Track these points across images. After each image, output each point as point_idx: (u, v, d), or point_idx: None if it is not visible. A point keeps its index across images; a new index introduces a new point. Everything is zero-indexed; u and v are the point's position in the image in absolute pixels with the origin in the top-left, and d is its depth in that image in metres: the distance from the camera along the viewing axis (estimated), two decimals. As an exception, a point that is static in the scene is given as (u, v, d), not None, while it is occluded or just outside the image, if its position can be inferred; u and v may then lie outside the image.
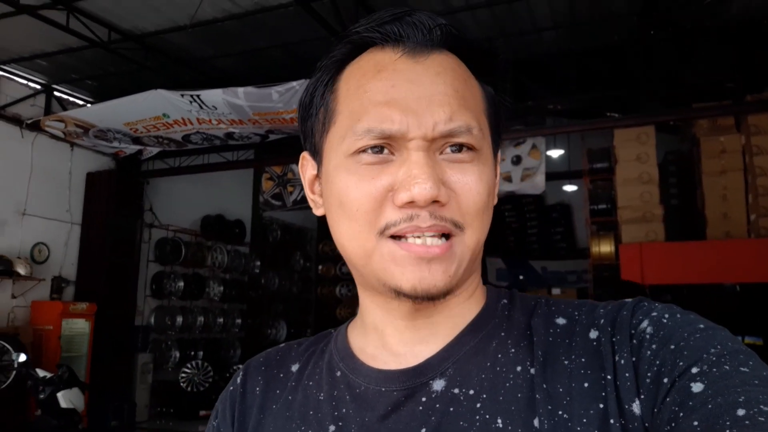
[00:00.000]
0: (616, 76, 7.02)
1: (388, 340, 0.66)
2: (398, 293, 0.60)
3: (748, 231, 5.90)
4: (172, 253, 8.27)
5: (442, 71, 0.61)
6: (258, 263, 9.75)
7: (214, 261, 8.87)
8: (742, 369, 0.50)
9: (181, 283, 8.38)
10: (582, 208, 10.46)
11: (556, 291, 9.54)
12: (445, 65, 0.62)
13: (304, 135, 0.69)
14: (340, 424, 0.63)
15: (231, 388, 0.74)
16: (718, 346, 0.52)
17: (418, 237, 0.58)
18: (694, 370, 0.51)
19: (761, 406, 0.46)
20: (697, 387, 0.50)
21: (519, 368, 0.60)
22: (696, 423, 0.47)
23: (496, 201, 0.67)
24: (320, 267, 11.34)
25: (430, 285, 0.58)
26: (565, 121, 7.00)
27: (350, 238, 0.61)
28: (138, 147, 7.26)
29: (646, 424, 0.53)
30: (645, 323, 0.57)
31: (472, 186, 0.60)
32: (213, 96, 5.80)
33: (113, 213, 7.56)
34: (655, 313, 0.58)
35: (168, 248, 8.26)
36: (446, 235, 0.59)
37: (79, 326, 6.67)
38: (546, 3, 5.63)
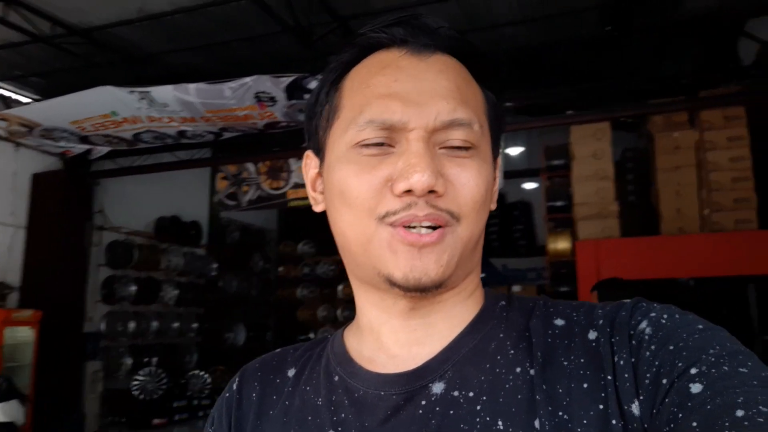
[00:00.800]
0: (575, 73, 7.06)
1: (384, 341, 0.66)
2: (391, 283, 0.60)
3: (701, 226, 5.98)
4: (124, 256, 8.00)
5: (444, 69, 0.63)
6: (215, 265, 9.53)
7: (168, 264, 8.63)
8: (741, 370, 0.50)
9: (134, 287, 8.11)
10: (540, 206, 10.62)
11: (516, 288, 9.57)
12: (447, 65, 0.64)
13: (309, 134, 0.72)
14: (340, 429, 0.63)
15: (227, 394, 0.74)
16: (717, 347, 0.53)
17: (413, 227, 0.59)
18: (693, 370, 0.51)
19: (760, 407, 0.46)
20: (696, 388, 0.50)
21: (518, 369, 0.60)
22: (695, 424, 0.48)
23: (495, 206, 0.68)
24: (280, 268, 11.15)
25: (421, 273, 0.59)
26: (524, 119, 7.00)
27: (350, 224, 0.63)
28: (86, 146, 6.98)
29: (645, 425, 0.53)
30: (644, 324, 0.57)
31: (469, 179, 0.61)
32: (164, 93, 5.61)
33: (61, 216, 7.27)
34: (653, 314, 0.58)
35: (120, 251, 7.98)
36: (440, 227, 0.60)
37: (22, 334, 6.36)
38: (503, -1, 5.60)
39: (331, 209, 0.67)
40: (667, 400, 0.51)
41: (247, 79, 5.45)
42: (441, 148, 0.61)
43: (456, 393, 0.60)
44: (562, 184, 6.65)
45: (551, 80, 6.71)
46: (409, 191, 0.59)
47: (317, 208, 0.73)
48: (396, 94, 0.61)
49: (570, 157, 6.43)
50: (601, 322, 0.61)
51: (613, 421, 0.54)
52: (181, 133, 6.58)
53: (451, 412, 0.59)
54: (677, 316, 0.58)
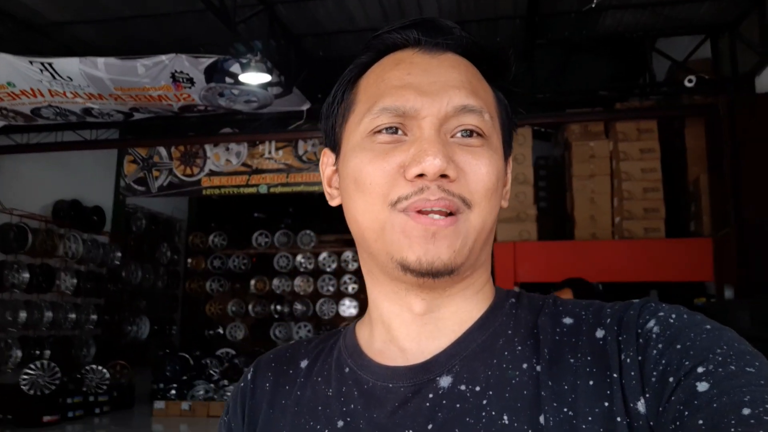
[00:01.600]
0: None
1: (395, 334, 0.67)
2: (405, 268, 0.61)
3: (612, 233, 6.18)
4: (16, 240, 7.37)
5: (456, 65, 0.65)
6: (119, 254, 8.99)
7: (66, 251, 8.04)
8: (748, 369, 0.50)
9: (27, 275, 7.50)
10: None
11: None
12: (459, 62, 0.66)
13: (325, 133, 0.73)
14: (348, 419, 0.64)
15: (242, 384, 0.75)
16: (725, 347, 0.53)
17: (426, 212, 0.60)
18: (700, 369, 0.51)
19: (767, 406, 0.46)
20: (702, 386, 0.50)
21: (525, 366, 0.61)
22: (701, 422, 0.48)
23: (507, 204, 0.69)
24: (189, 260, 10.69)
25: (434, 257, 0.60)
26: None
27: (364, 211, 0.64)
28: (-23, 119, 6.37)
29: (651, 423, 0.53)
30: (652, 323, 0.58)
31: (480, 167, 0.62)
32: (68, 65, 5.17)
33: (-56, 193, 6.62)
34: (662, 313, 0.58)
35: (12, 235, 7.35)
36: (452, 214, 0.61)
37: None
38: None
39: (345, 199, 0.68)
40: (673, 398, 0.52)
41: (163, 57, 5.13)
42: (452, 137, 0.63)
43: (463, 387, 0.61)
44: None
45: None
46: (421, 176, 0.60)
47: (333, 203, 0.73)
48: (409, 84, 0.63)
49: (491, 160, 6.47)
50: (608, 320, 0.61)
51: (618, 419, 0.54)
52: (87, 111, 6.12)
53: (458, 405, 0.60)
54: (685, 316, 0.58)
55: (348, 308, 9.90)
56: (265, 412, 0.71)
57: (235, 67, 5.28)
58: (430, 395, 0.62)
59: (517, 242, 6.04)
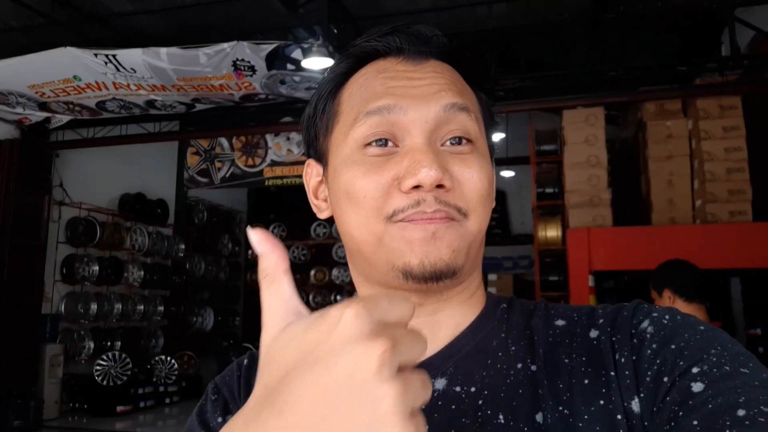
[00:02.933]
0: (563, 57, 6.82)
1: None
2: (407, 274, 0.60)
3: (693, 217, 5.81)
4: (85, 234, 7.52)
5: (440, 71, 0.66)
6: (182, 246, 9.11)
7: (133, 243, 8.17)
8: (742, 370, 0.51)
9: (96, 267, 7.65)
10: (515, 195, 10.43)
11: (492, 277, 9.40)
12: (442, 68, 0.67)
13: (308, 143, 0.73)
14: None
15: (238, 373, 0.73)
16: (719, 347, 0.53)
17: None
18: (695, 370, 0.52)
19: (761, 407, 0.46)
20: (697, 387, 0.50)
21: (520, 365, 0.61)
22: (696, 422, 0.48)
23: (493, 204, 0.68)
24: (250, 252, 10.75)
25: (436, 258, 0.60)
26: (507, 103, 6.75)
27: (358, 225, 0.63)
28: (45, 114, 6.47)
29: (645, 423, 0.54)
30: (645, 323, 0.58)
31: (473, 175, 0.62)
32: (132, 57, 5.16)
33: (17, 188, 6.76)
34: (655, 314, 0.59)
35: (81, 229, 7.51)
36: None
37: (-28, 315, 5.90)
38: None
39: (337, 213, 0.67)
40: (668, 398, 0.52)
41: (225, 45, 5.05)
42: (442, 146, 0.63)
43: (458, 388, 0.61)
44: (551, 170, 6.42)
45: (531, 66, 6.44)
46: (417, 187, 0.59)
47: (321, 215, 0.72)
48: (395, 88, 0.63)
49: (561, 143, 6.19)
50: (602, 321, 0.61)
51: (619, 416, 0.54)
52: (150, 103, 6.13)
53: (453, 406, 0.60)
54: (679, 317, 0.58)
55: (409, 298, 9.78)
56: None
57: (296, 53, 5.16)
58: None
59: (591, 228, 5.74)
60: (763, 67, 5.84)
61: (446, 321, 0.66)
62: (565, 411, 0.56)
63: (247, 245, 10.82)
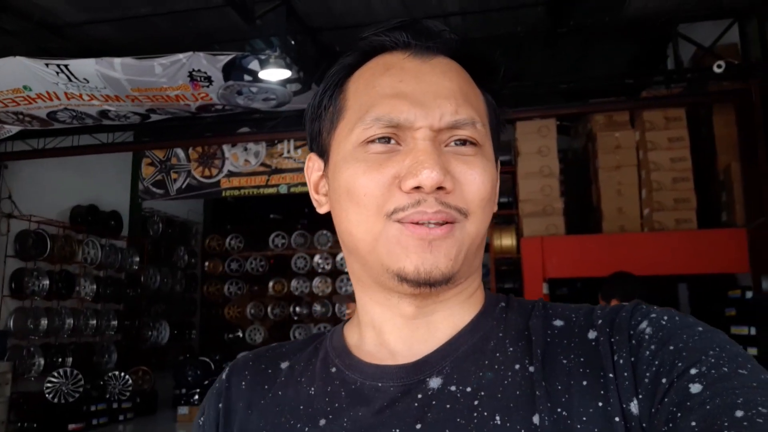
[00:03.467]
0: (516, 69, 6.99)
1: (386, 338, 0.67)
2: (402, 279, 0.61)
3: (641, 225, 6.01)
4: (35, 247, 7.32)
5: (447, 71, 0.65)
6: (137, 259, 8.94)
7: (85, 256, 7.98)
8: (740, 371, 0.51)
9: (47, 281, 7.44)
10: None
11: (452, 286, 9.51)
12: (449, 67, 0.66)
13: (311, 137, 0.72)
14: (331, 417, 0.63)
15: (217, 385, 0.74)
16: (717, 349, 0.53)
17: (422, 224, 0.60)
18: (693, 371, 0.52)
19: (759, 408, 0.47)
20: (695, 388, 0.50)
21: (517, 366, 0.61)
22: (694, 423, 0.48)
23: (496, 208, 0.69)
24: (207, 263, 10.63)
25: (432, 266, 0.59)
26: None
27: (358, 223, 0.63)
28: (-7, 125, 6.30)
29: (644, 425, 0.53)
30: (644, 324, 0.58)
31: (476, 177, 0.62)
32: (84, 67, 5.08)
33: (-38, 201, 6.56)
34: (654, 315, 0.59)
35: (30, 242, 7.30)
36: (448, 223, 0.61)
37: None
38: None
39: (337, 209, 0.67)
40: (666, 399, 0.52)
41: (181, 56, 5.02)
42: (446, 146, 0.63)
43: (453, 388, 0.61)
44: (505, 181, 6.55)
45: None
46: (417, 188, 0.59)
47: (321, 210, 0.72)
48: (402, 93, 0.62)
49: (515, 153, 6.33)
50: (600, 322, 0.61)
51: (617, 419, 0.54)
52: (103, 114, 6.03)
53: (448, 406, 0.60)
54: (677, 318, 0.58)
55: (368, 308, 9.79)
56: (242, 412, 0.69)
57: (253, 64, 5.17)
58: (419, 396, 0.61)
59: (545, 237, 5.88)
60: (705, 80, 6.11)
61: (444, 321, 0.66)
62: (564, 413, 0.56)
63: (204, 257, 10.67)
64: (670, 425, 0.50)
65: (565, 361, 0.60)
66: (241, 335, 10.18)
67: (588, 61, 6.76)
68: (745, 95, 5.53)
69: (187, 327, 10.20)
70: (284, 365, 0.72)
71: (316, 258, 10.09)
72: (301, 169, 6.62)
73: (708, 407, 0.49)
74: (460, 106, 0.62)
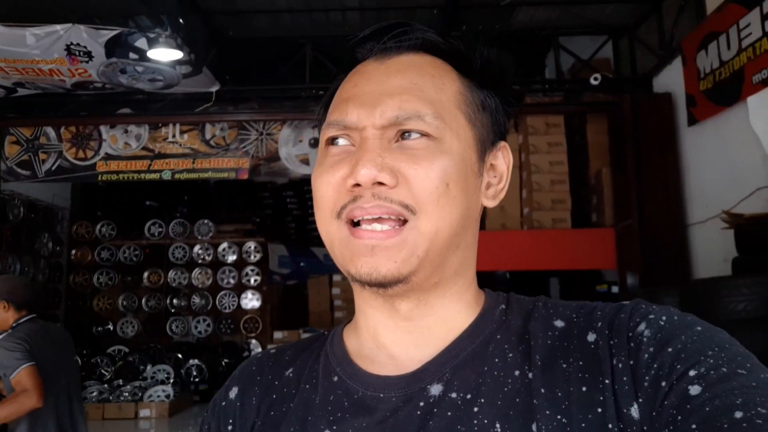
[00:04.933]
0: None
1: (382, 340, 0.67)
2: (354, 280, 0.62)
3: (521, 223, 6.35)
4: None
5: (402, 69, 0.65)
6: (-7, 246, 8.11)
7: (-69, 242, 7.13)
8: (740, 371, 0.51)
9: None
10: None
11: (337, 278, 9.54)
12: (409, 63, 0.65)
13: None
14: (335, 428, 0.63)
15: (223, 403, 0.73)
16: (716, 349, 0.53)
17: (368, 222, 0.60)
18: (692, 372, 0.52)
19: (759, 409, 0.47)
20: (694, 390, 0.50)
21: (517, 372, 0.61)
22: (694, 426, 0.48)
23: (495, 203, 0.70)
24: (74, 252, 9.85)
25: (372, 269, 0.60)
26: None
27: (320, 225, 0.65)
28: None
29: (645, 428, 0.53)
30: (642, 326, 0.58)
31: (419, 170, 0.61)
32: (-59, 30, 4.54)
33: None
34: (652, 316, 0.58)
35: None
36: (401, 223, 0.60)
37: None
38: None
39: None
40: (666, 402, 0.52)
41: (58, 27, 4.63)
42: (396, 142, 0.62)
43: (454, 395, 0.61)
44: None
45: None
46: (357, 185, 0.60)
47: None
48: (352, 97, 0.64)
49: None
50: (599, 324, 0.61)
51: (610, 425, 0.54)
52: (-39, 84, 5.42)
53: (449, 413, 0.60)
54: (676, 317, 0.58)
55: (250, 301, 9.56)
56: (257, 428, 0.69)
57: (140, 42, 4.86)
58: (421, 403, 0.61)
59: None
60: (581, 90, 6.55)
61: (436, 325, 0.66)
62: (563, 420, 0.56)
63: (71, 245, 9.91)
64: (671, 428, 0.50)
65: (564, 366, 0.59)
66: (111, 328, 9.57)
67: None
68: (617, 107, 6.00)
69: (51, 319, 9.39)
70: (288, 372, 0.72)
71: (196, 248, 9.69)
72: (186, 155, 6.30)
73: (707, 409, 0.49)
74: (404, 102, 0.62)
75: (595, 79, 6.03)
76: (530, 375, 0.60)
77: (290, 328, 8.89)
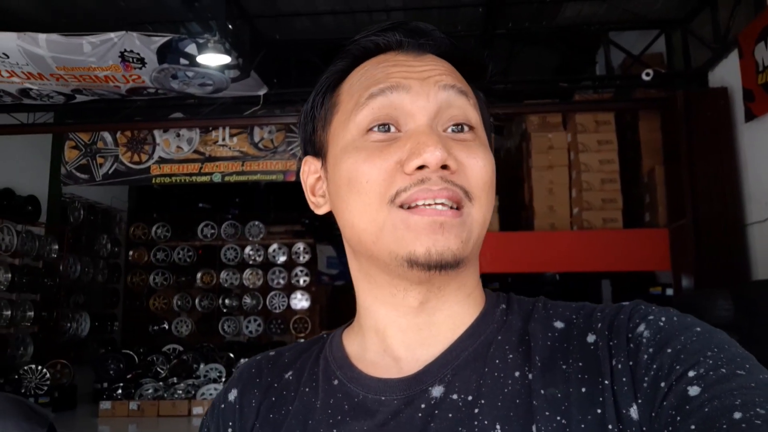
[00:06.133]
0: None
1: (389, 342, 0.67)
2: (412, 263, 0.60)
3: (571, 223, 6.22)
4: (-58, 232, 6.81)
5: (440, 67, 0.66)
6: (56, 247, 8.48)
7: (0, 243, 7.51)
8: (739, 372, 0.51)
9: (-45, 269, 6.96)
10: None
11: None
12: (440, 61, 0.67)
13: (305, 140, 0.73)
14: (335, 431, 0.63)
15: (222, 405, 0.73)
16: (715, 349, 0.53)
17: (429, 204, 0.59)
18: (691, 373, 0.52)
19: (758, 409, 0.47)
20: (694, 390, 0.50)
21: (517, 374, 0.61)
22: (693, 427, 0.48)
23: (494, 199, 0.68)
24: (131, 253, 10.21)
25: (444, 248, 0.59)
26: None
27: (361, 213, 0.62)
28: None
29: (644, 429, 0.53)
30: (642, 327, 0.58)
31: (478, 161, 0.62)
32: (5, 41, 4.77)
33: None
34: (651, 317, 0.59)
35: (-63, 226, 6.79)
36: (456, 207, 0.60)
37: None
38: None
39: (337, 203, 0.66)
40: (665, 403, 0.52)
41: (112, 35, 4.80)
42: (444, 131, 0.63)
43: (455, 396, 0.61)
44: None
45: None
46: (421, 168, 0.59)
47: (319, 211, 0.72)
48: (396, 73, 0.63)
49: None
50: (599, 325, 0.61)
51: (610, 426, 0.54)
52: (24, 92, 5.68)
53: (450, 415, 0.59)
54: (675, 318, 0.58)
55: (300, 301, 9.70)
56: (255, 430, 0.69)
57: (191, 48, 4.99)
58: (423, 405, 0.61)
59: (479, 233, 5.98)
60: (632, 86, 6.37)
61: (445, 322, 0.66)
62: (563, 421, 0.56)
63: (128, 246, 10.26)
64: (670, 429, 0.50)
65: (564, 367, 0.59)
66: (166, 327, 9.87)
67: (522, 62, 6.91)
68: (670, 103, 5.80)
69: (109, 319, 9.78)
70: (288, 375, 0.72)
71: (247, 249, 9.90)
72: (236, 158, 6.46)
73: (706, 410, 0.49)
74: (453, 97, 0.63)
75: (647, 74, 5.86)
76: (530, 376, 0.60)
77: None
